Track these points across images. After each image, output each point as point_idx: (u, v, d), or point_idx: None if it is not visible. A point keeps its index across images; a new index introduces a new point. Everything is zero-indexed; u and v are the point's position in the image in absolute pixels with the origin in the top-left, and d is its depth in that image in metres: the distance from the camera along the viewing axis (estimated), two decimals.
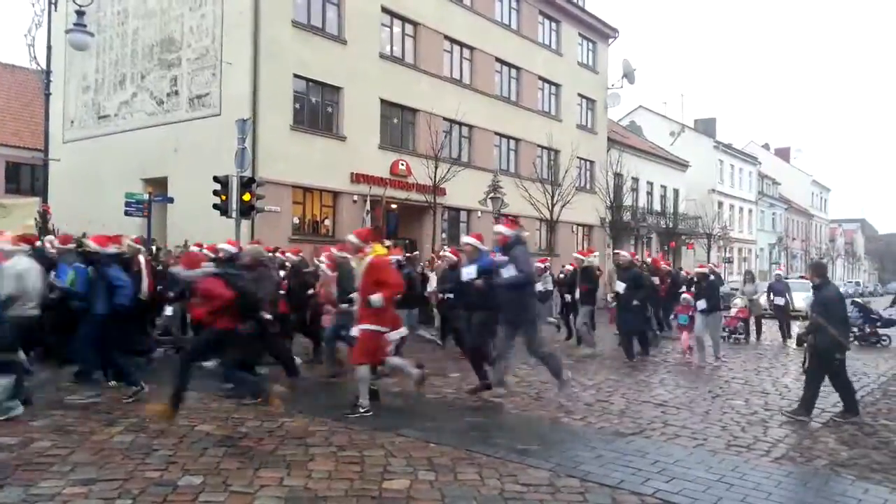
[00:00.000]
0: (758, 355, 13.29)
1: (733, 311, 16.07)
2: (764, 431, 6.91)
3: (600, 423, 7.07)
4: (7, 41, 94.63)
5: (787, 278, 21.61)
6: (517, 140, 27.93)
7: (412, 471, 5.26)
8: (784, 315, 16.34)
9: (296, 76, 19.23)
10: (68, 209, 19.86)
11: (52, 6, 17.14)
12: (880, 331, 15.98)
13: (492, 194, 22.53)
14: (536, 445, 6.09)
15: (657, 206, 39.80)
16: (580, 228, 31.66)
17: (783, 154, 71.89)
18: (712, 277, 12.33)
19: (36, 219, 15.90)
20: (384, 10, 22.00)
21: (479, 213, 24.74)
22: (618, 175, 32.35)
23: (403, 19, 22.91)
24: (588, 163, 32.03)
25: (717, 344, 12.31)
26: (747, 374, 10.72)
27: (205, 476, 5.00)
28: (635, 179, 36.29)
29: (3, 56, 45.73)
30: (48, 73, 16.40)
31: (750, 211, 55.08)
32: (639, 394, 8.79)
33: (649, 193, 39.55)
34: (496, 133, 26.83)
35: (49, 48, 16.59)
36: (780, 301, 16.39)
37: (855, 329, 15.11)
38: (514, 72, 28.01)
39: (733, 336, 15.51)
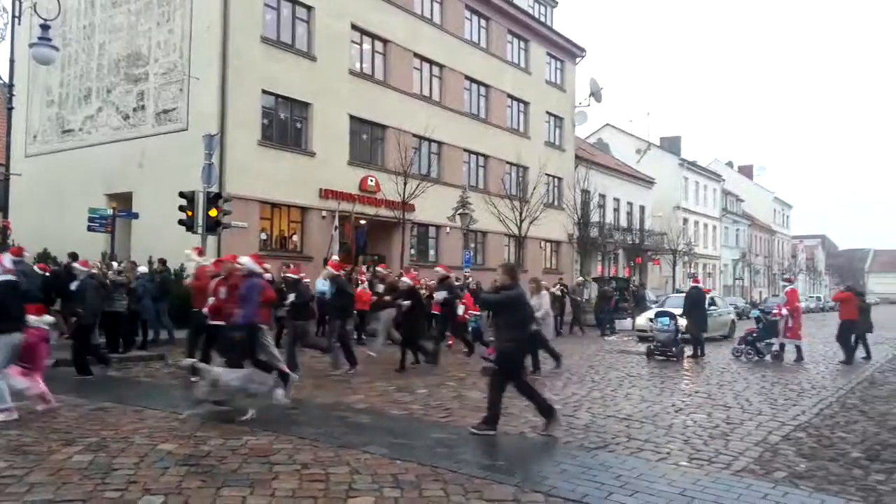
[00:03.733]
0: (721, 369, 13.50)
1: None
2: (725, 444, 7.02)
3: (566, 438, 7.11)
4: None
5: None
6: (486, 157, 28.13)
7: (377, 488, 5.24)
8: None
9: (264, 92, 19.20)
10: (30, 224, 19.50)
11: (17, 20, 16.87)
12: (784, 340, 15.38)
13: (460, 210, 22.61)
14: (502, 461, 6.11)
15: (624, 223, 40.33)
16: (548, 244, 31.94)
17: (746, 172, 73.50)
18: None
19: None
20: (354, 27, 22.11)
21: (448, 228, 24.83)
22: (585, 192, 32.74)
23: (373, 37, 23.03)
24: (556, 179, 32.37)
25: None
26: (710, 388, 10.89)
27: (166, 496, 4.92)
28: (602, 196, 36.82)
29: None
30: (10, 86, 16.13)
31: (714, 227, 56.11)
32: (604, 408, 8.87)
33: (616, 210, 40.06)
34: (465, 150, 27.02)
35: (12, 62, 16.32)
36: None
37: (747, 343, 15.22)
38: (483, 89, 28.28)
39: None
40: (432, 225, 25.07)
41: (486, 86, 28.33)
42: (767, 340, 15.21)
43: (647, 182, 43.64)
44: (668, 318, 15.30)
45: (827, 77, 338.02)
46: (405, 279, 13.44)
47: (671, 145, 52.32)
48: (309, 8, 20.61)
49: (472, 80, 27.62)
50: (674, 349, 14.84)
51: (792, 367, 14.26)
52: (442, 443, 6.74)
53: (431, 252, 25.66)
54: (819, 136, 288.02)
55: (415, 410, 8.44)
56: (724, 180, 59.29)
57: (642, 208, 42.78)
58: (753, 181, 72.79)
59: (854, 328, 15.60)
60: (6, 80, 16.54)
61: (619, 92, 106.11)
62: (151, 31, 19.74)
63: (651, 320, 16.44)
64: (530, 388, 7.41)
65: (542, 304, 12.17)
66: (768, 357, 15.09)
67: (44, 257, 17.77)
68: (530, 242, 28.12)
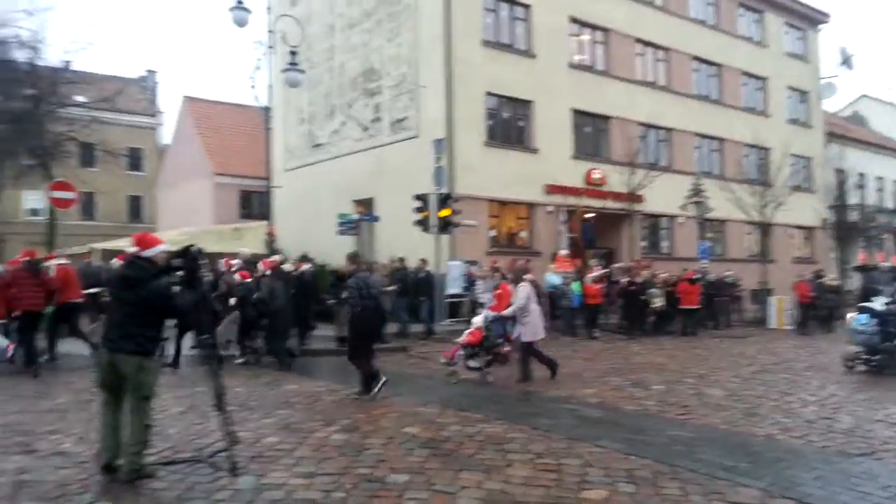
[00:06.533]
0: None
1: None
2: None
3: (822, 442, 6.43)
4: (234, 84, 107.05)
5: None
6: (720, 139, 26.34)
7: (611, 482, 5.16)
8: None
9: (488, 94, 19.75)
10: (290, 230, 22.02)
11: (271, 49, 19.15)
12: None
13: (694, 198, 21.44)
14: (746, 463, 5.68)
15: (890, 204, 35.39)
16: (798, 231, 29.02)
17: None
18: None
19: (265, 239, 17.85)
20: (572, 20, 21.91)
21: (682, 218, 23.65)
22: (840, 171, 29.26)
23: (593, 27, 22.64)
24: (804, 159, 29.34)
25: None
26: None
27: (410, 475, 5.28)
28: (861, 175, 32.61)
29: (232, 97, 52.42)
30: (268, 109, 18.32)
31: None
32: (871, 411, 7.87)
33: (880, 190, 35.31)
34: (696, 134, 25.53)
35: (269, 87, 18.54)
36: None
37: None
38: (713, 69, 26.51)
39: None
40: (664, 215, 24.01)
41: (717, 64, 26.50)
42: None
43: None
44: (869, 316, 11.11)
45: None
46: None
47: None
48: (526, 6, 20.82)
49: (701, 60, 25.99)
50: (876, 357, 10.78)
51: None
52: (679, 440, 6.45)
53: (664, 244, 24.60)
54: None
55: (649, 407, 8.16)
56: None
57: None
58: None
59: None
60: (265, 104, 18.81)
61: (875, 58, 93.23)
62: (383, 47, 21.25)
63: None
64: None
65: (518, 296, 10.02)
66: None
67: (304, 260, 19.89)
68: (776, 229, 25.73)
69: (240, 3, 15.73)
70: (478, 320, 10.35)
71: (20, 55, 20.23)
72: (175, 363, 10.83)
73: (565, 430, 6.79)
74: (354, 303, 8.56)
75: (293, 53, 16.41)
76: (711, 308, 19.33)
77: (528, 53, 20.75)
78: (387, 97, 21.06)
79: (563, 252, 19.04)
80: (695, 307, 17.78)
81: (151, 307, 5.16)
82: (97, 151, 30.53)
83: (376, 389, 8.34)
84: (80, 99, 23.55)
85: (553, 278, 17.01)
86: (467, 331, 10.27)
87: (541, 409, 8.01)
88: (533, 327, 9.86)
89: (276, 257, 13.35)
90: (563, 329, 16.22)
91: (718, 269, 21.47)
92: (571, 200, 21.00)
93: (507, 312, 10.22)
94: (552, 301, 16.90)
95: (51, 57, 21.25)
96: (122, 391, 5.17)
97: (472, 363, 9.96)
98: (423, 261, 15.79)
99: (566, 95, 21.34)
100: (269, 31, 19.14)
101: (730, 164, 26.03)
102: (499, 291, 11.39)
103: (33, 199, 33.72)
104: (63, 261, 12.52)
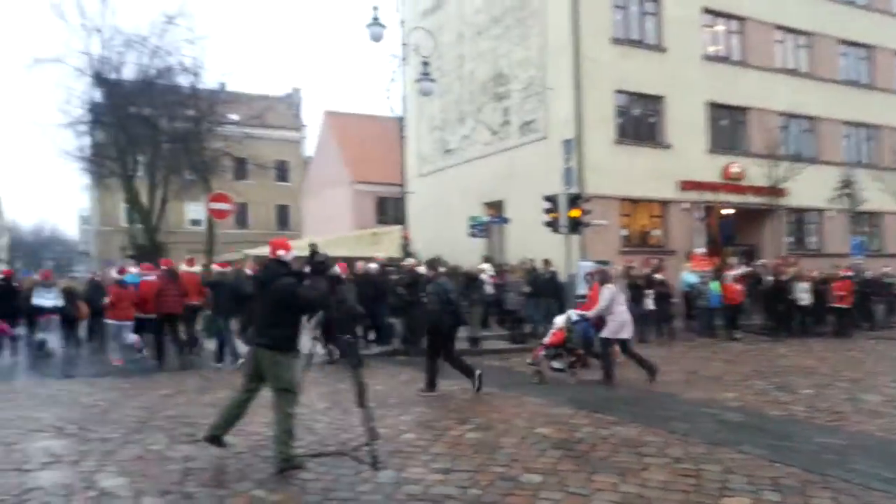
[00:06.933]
0: None
1: None
2: None
3: None
4: (371, 96, 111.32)
5: None
6: (873, 126, 24.34)
7: (754, 490, 4.98)
8: None
9: (617, 91, 19.42)
10: (424, 234, 22.68)
11: (404, 61, 19.87)
12: None
13: (844, 190, 19.98)
14: None
15: None
16: None
17: None
18: None
19: (400, 243, 18.56)
20: (705, 10, 21.08)
21: (833, 212, 22.09)
22: None
23: (728, 16, 21.68)
24: None
25: None
26: None
27: (543, 476, 5.35)
28: None
29: (369, 109, 55.17)
30: (402, 119, 19.01)
31: None
32: None
33: None
34: (844, 122, 23.77)
35: (403, 98, 19.23)
36: None
37: None
38: (863, 51, 24.54)
39: None
40: (810, 209, 22.52)
41: (868, 46, 24.48)
42: None
43: None
44: None
45: None
46: None
47: None
48: (656, 1, 20.28)
49: (849, 43, 24.12)
50: None
51: None
52: (830, 448, 6.11)
53: (812, 239, 23.07)
54: None
55: (797, 412, 7.75)
56: None
57: None
58: None
59: None
60: (399, 113, 19.52)
61: None
62: (511, 51, 21.40)
63: None
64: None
65: (601, 298, 9.86)
66: None
67: (436, 263, 20.42)
68: None
69: (376, 19, 16.48)
70: (560, 321, 10.26)
71: (183, 80, 22.27)
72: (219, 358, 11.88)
73: (704, 434, 6.61)
74: (433, 307, 8.99)
75: (425, 64, 16.98)
76: (866, 307, 17.90)
77: (658, 48, 20.21)
78: (515, 100, 21.21)
79: (699, 250, 18.43)
80: (847, 306, 16.54)
81: (281, 304, 5.56)
82: (249, 165, 32.93)
83: (476, 382, 8.89)
84: (234, 117, 25.53)
85: (689, 277, 16.50)
86: (550, 331, 10.30)
87: (677, 412, 7.82)
88: (616, 325, 9.73)
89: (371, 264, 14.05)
90: (700, 330, 15.66)
91: (874, 265, 19.86)
92: (708, 196, 20.28)
93: (590, 314, 10.12)
94: (687, 301, 16.39)
95: (208, 80, 23.28)
96: (262, 383, 5.73)
97: (555, 364, 9.97)
98: (547, 261, 15.79)
99: (700, 88, 20.58)
100: (403, 44, 19.86)
101: (884, 152, 24.00)
102: (591, 293, 11.30)
103: (194, 210, 36.86)
104: (188, 268, 14.49)
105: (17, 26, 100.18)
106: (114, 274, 13.24)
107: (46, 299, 12.58)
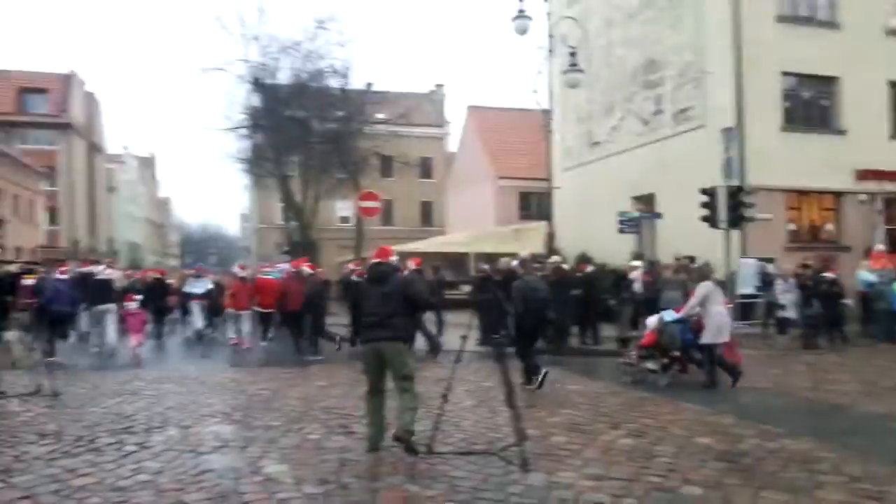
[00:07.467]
0: None
1: None
2: None
3: None
4: (515, 90, 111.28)
5: None
6: None
7: None
8: None
9: (783, 73, 17.97)
10: (569, 230, 22.22)
11: (550, 52, 19.54)
12: None
13: None
14: None
15: None
16: None
17: None
18: None
19: (544, 239, 18.24)
20: None
21: None
22: None
23: None
24: None
25: None
26: None
27: (704, 489, 4.98)
28: None
29: (513, 102, 54.93)
30: (549, 111, 18.69)
31: None
32: None
33: None
34: None
35: (550, 92, 18.92)
36: None
37: None
38: None
39: None
40: None
41: None
42: None
43: None
44: None
45: None
46: None
47: None
48: None
49: None
50: None
51: None
52: None
53: None
54: None
55: None
56: None
57: None
58: None
59: None
60: (545, 106, 19.20)
61: None
62: (664, 36, 20.37)
63: None
64: None
65: (694, 295, 9.63)
66: None
67: (583, 260, 19.90)
68: None
69: (521, 12, 16.28)
70: (652, 322, 9.89)
71: (334, 82, 23.28)
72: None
73: (887, 452, 5.93)
74: (517, 305, 9.07)
75: (572, 54, 16.55)
76: None
77: (831, 24, 18.46)
78: (669, 88, 20.23)
79: (880, 247, 16.71)
80: None
81: (401, 298, 5.99)
82: (394, 162, 33.88)
83: (539, 380, 8.91)
84: (380, 116, 26.31)
85: (867, 276, 14.99)
86: (643, 332, 10.08)
87: (854, 426, 7.09)
88: (714, 329, 9.23)
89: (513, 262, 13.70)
90: (880, 335, 14.12)
91: None
92: (889, 187, 18.34)
93: (682, 314, 9.66)
94: (865, 303, 14.88)
95: (356, 81, 24.21)
96: (384, 377, 6.00)
97: (649, 365, 9.64)
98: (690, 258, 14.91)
99: (881, 67, 18.59)
100: (550, 36, 19.54)
101: None
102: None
103: (343, 208, 38.49)
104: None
105: (188, 40, 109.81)
106: (236, 270, 15.37)
107: (196, 288, 15.57)
